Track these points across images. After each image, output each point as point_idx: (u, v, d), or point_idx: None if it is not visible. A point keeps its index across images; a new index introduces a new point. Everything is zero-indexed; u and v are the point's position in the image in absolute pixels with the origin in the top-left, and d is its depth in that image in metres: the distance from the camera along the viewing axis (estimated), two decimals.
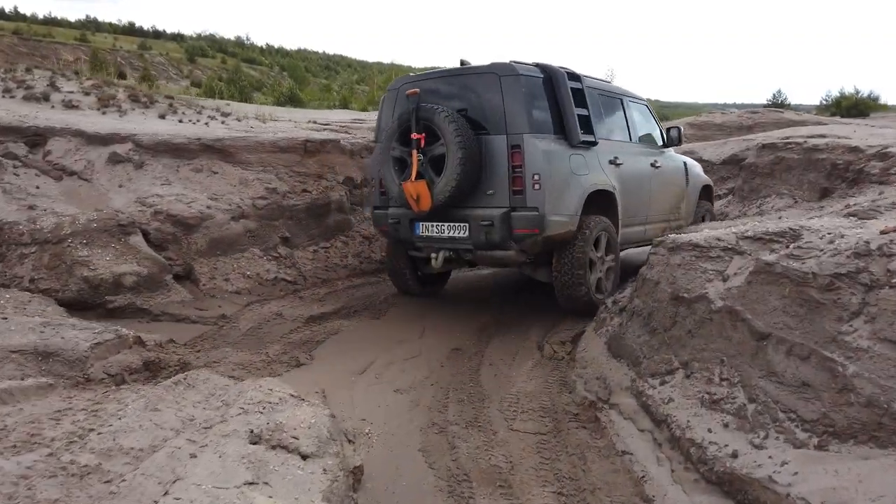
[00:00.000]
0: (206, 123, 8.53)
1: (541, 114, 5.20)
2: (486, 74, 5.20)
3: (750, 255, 3.65)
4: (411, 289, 6.23)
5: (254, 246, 6.47)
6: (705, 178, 8.40)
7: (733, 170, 12.56)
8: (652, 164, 6.62)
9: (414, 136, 5.11)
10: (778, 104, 29.75)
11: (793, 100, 34.18)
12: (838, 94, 30.72)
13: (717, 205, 10.83)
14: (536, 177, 4.98)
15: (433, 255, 5.45)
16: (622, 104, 6.46)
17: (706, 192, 8.29)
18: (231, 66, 54.35)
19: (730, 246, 3.80)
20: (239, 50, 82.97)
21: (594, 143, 5.57)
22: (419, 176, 5.10)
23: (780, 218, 5.40)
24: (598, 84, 6.11)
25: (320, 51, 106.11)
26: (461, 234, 5.26)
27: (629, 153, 6.20)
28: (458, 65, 5.54)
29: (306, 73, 73.43)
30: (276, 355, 4.51)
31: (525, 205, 5.03)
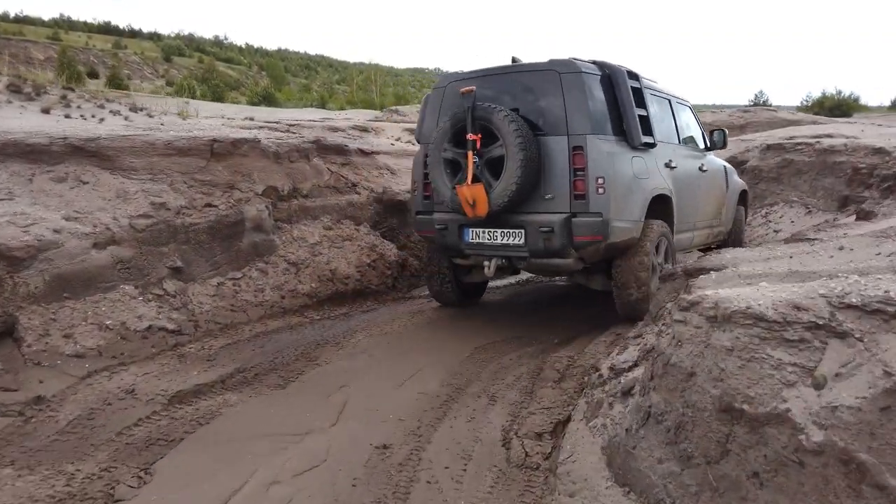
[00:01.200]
0: (102, 120, 6.84)
1: (602, 114, 4.93)
2: (545, 72, 4.93)
3: (862, 341, 2.06)
4: (451, 299, 5.90)
5: (127, 282, 4.79)
6: (742, 183, 8.18)
7: None
8: (700, 168, 6.37)
9: (470, 136, 4.79)
10: (761, 105, 29.14)
11: (773, 101, 33.81)
12: (820, 95, 31.81)
13: None
14: (600, 180, 4.71)
15: (486, 263, 5.10)
16: (671, 105, 6.17)
17: (742, 198, 8.05)
18: (206, 65, 52.76)
19: (820, 321, 2.20)
20: (217, 49, 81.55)
21: (653, 146, 5.34)
22: (475, 179, 4.80)
23: (840, 247, 3.83)
24: (650, 84, 5.76)
25: (301, 51, 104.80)
26: (516, 241, 4.95)
27: (681, 156, 5.97)
28: (455, 65, 4.94)
29: (285, 73, 72.48)
30: (86, 480, 2.84)
31: (587, 210, 4.74)
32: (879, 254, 3.58)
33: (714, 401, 2.29)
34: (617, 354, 3.85)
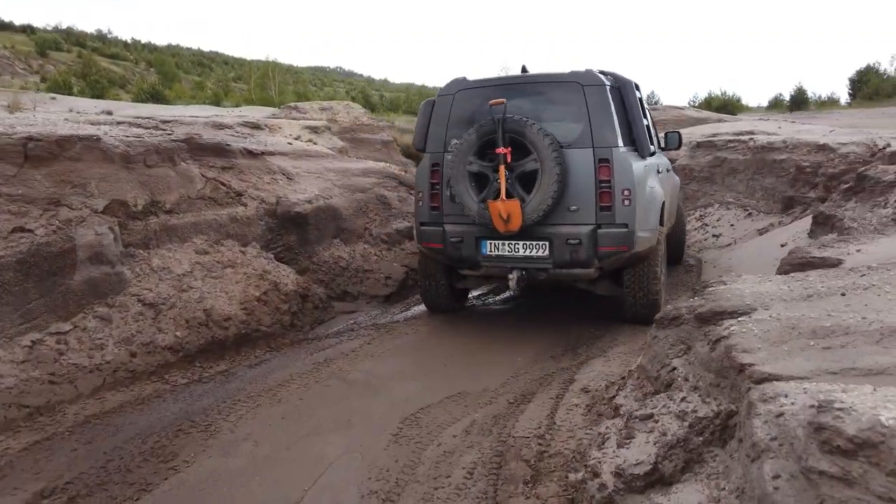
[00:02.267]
0: None
1: (622, 126, 4.98)
2: (568, 83, 4.97)
3: None
4: (448, 308, 5.78)
5: None
6: (678, 179, 8.24)
7: None
8: (667, 170, 6.61)
9: (500, 150, 4.72)
10: (652, 105, 30.22)
11: (662, 101, 35.38)
12: (707, 95, 34.46)
13: None
14: (626, 192, 4.77)
15: (510, 275, 4.97)
16: (646, 109, 6.06)
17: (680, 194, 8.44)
18: (84, 59, 48.29)
19: None
20: (99, 44, 75.49)
21: (654, 154, 5.56)
22: (508, 195, 4.73)
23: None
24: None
25: (194, 47, 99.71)
26: (540, 253, 4.92)
27: (662, 161, 6.18)
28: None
29: (177, 70, 68.22)
30: None
31: (614, 221, 4.79)
32: None
33: None
34: (619, 446, 2.64)
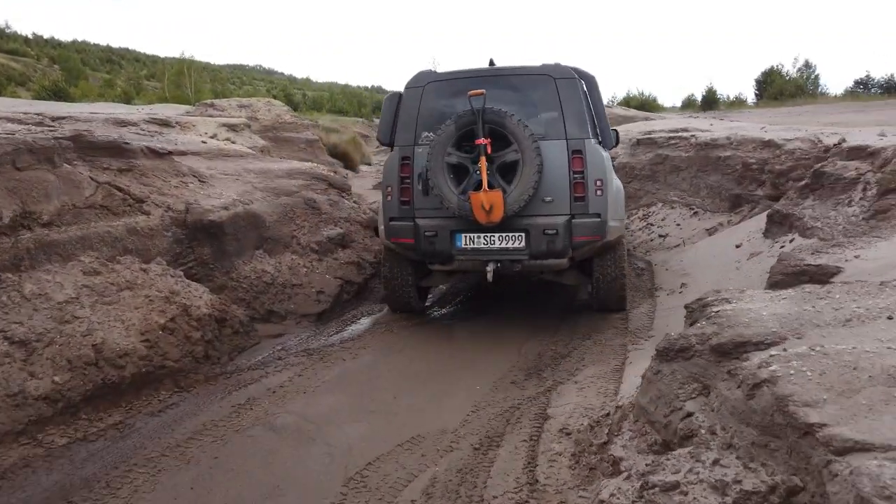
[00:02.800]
0: None
1: (590, 118, 5.05)
2: (540, 76, 5.08)
3: None
4: (415, 307, 5.64)
5: None
6: None
7: None
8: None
9: (481, 141, 4.66)
10: None
11: None
12: (626, 95, 35.37)
13: None
14: (599, 182, 4.88)
15: (487, 268, 4.87)
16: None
17: None
18: None
19: None
20: None
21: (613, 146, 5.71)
22: (490, 185, 4.65)
23: None
24: None
25: (103, 43, 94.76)
26: (516, 245, 4.89)
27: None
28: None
29: (83, 67, 64.43)
30: None
31: (587, 211, 4.86)
32: None
33: None
34: None
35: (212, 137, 8.25)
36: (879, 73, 46.37)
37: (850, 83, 33.30)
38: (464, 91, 4.82)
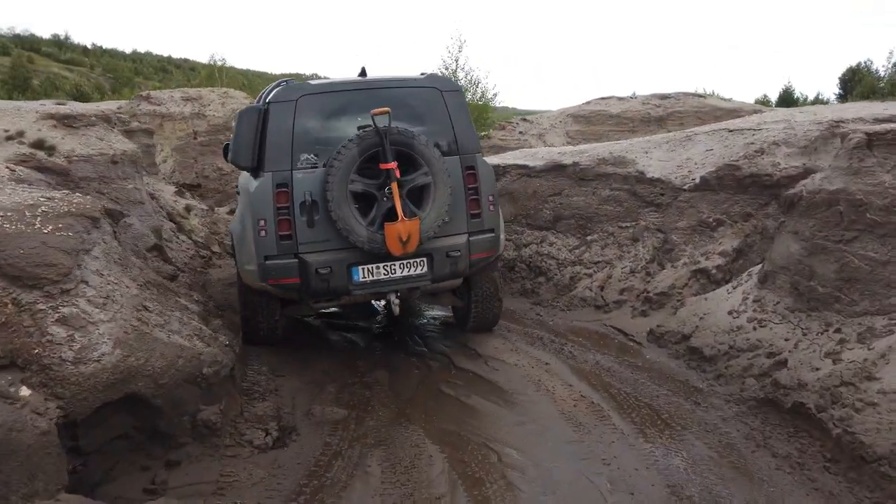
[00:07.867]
0: None
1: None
2: (426, 89, 4.88)
3: None
4: (276, 339, 5.12)
5: None
6: None
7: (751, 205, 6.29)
8: None
9: (387, 165, 4.38)
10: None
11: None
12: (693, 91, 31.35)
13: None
14: (491, 198, 4.86)
15: (393, 300, 4.65)
16: None
17: None
18: (13, 62, 44.68)
19: None
20: (55, 49, 72.05)
21: None
22: (406, 214, 4.45)
23: None
24: None
25: (164, 54, 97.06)
26: (419, 271, 4.65)
27: None
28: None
29: (134, 76, 65.53)
30: None
31: (483, 228, 4.81)
32: None
33: None
34: None
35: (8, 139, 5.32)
36: None
37: None
38: (345, 105, 4.69)
